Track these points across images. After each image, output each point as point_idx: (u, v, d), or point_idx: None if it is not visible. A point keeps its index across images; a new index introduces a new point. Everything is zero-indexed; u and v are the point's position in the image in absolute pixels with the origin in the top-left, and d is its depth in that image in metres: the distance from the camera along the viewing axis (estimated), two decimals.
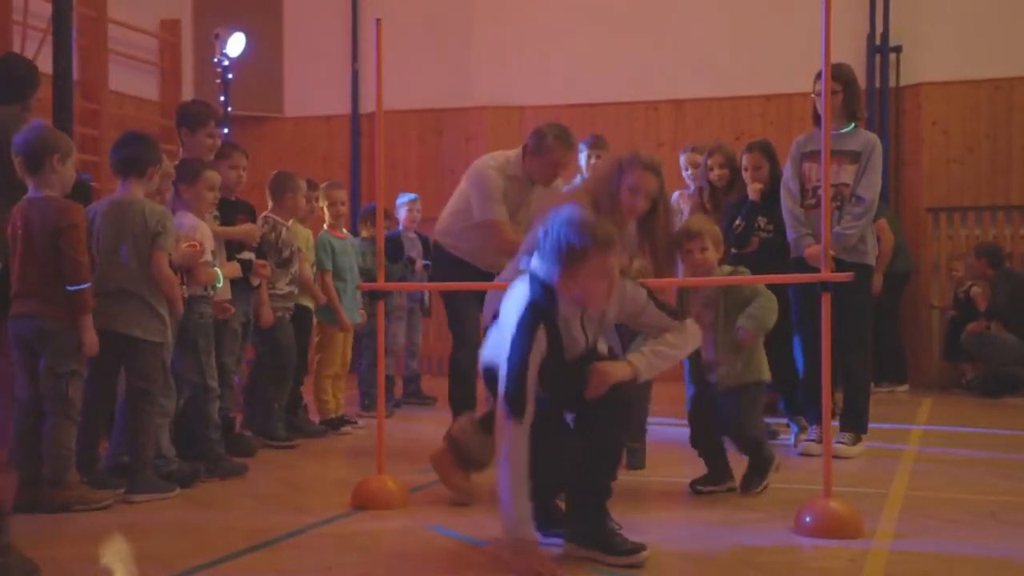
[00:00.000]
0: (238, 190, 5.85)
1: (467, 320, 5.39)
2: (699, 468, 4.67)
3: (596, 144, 6.87)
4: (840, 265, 5.12)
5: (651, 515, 4.20)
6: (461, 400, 5.34)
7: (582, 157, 6.79)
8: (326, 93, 10.97)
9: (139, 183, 4.61)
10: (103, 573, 3.52)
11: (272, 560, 3.55)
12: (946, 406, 8.07)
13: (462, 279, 5.33)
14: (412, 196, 8.10)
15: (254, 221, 5.85)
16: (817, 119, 5.51)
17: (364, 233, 7.49)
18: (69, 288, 4.21)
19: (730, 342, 4.58)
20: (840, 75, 5.50)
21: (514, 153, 5.42)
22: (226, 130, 8.27)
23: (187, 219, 5.02)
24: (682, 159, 7.09)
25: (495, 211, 5.29)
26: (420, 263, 7.53)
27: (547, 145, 5.25)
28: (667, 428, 6.00)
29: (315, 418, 6.58)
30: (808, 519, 3.83)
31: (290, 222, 6.27)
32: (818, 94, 5.36)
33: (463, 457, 4.30)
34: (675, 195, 7.45)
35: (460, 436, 4.31)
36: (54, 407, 4.25)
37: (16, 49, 8.26)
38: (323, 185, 6.90)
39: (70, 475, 4.26)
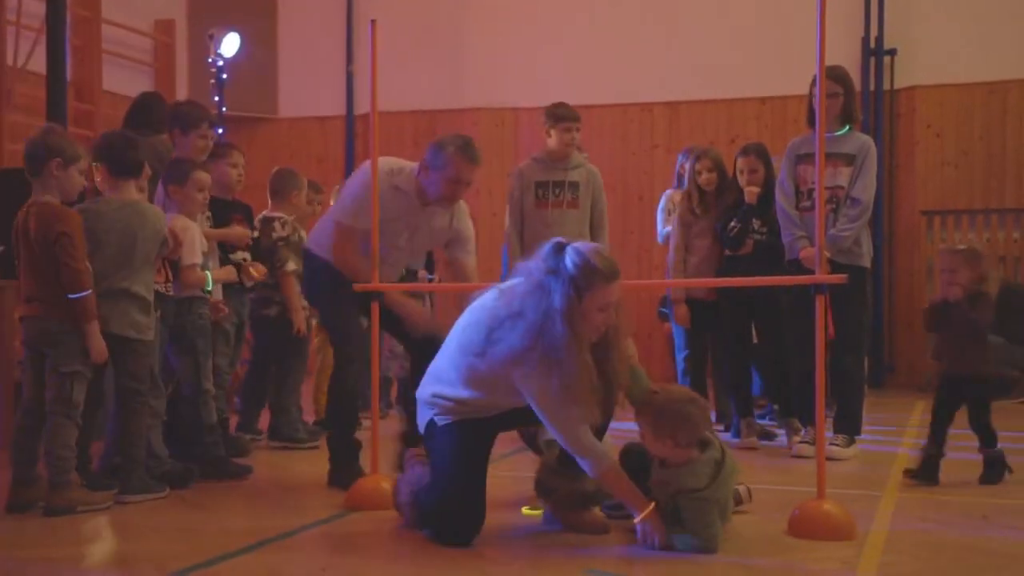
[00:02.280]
0: (239, 188, 5.80)
1: (354, 333, 4.82)
2: None
3: (563, 116, 5.97)
4: (835, 267, 5.12)
5: None
6: (347, 422, 4.87)
7: (553, 134, 5.94)
8: (321, 94, 10.97)
9: (136, 184, 4.62)
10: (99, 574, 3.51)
11: (266, 561, 3.54)
12: None
13: (334, 289, 4.70)
14: None
15: (251, 222, 5.84)
16: (813, 121, 5.50)
17: None
18: (71, 297, 4.21)
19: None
20: (839, 78, 5.51)
21: (411, 166, 4.72)
22: (221, 131, 8.25)
23: (178, 221, 5.00)
24: (687, 164, 6.93)
25: (350, 216, 4.63)
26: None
27: (445, 158, 4.52)
28: None
29: (309, 419, 6.57)
30: (801, 521, 3.83)
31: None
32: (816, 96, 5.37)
33: (569, 499, 3.95)
34: (667, 192, 7.45)
35: (550, 484, 3.98)
36: (56, 407, 4.23)
37: (10, 49, 8.30)
38: None
39: (71, 477, 4.25)
